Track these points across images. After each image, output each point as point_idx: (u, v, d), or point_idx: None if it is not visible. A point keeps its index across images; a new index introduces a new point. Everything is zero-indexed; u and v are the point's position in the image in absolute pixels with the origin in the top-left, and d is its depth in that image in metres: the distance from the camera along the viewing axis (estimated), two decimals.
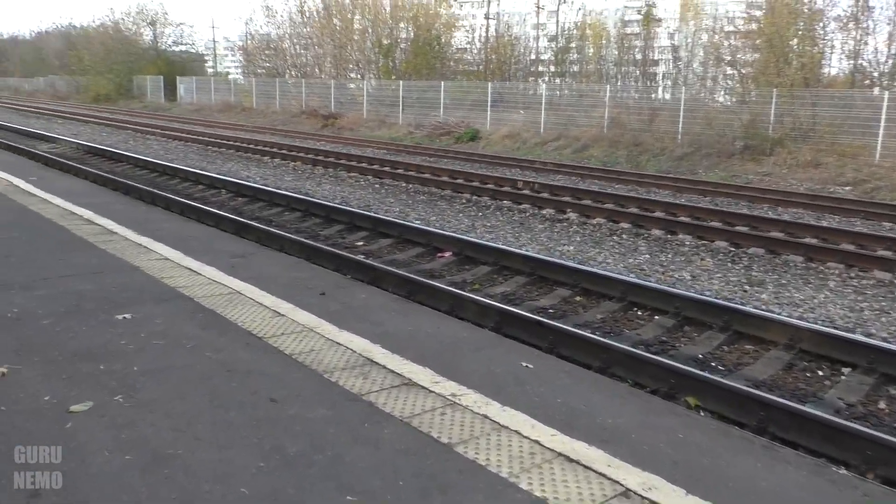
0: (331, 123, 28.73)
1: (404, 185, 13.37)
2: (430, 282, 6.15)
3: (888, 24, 21.91)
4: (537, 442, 2.68)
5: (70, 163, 14.08)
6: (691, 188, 13.72)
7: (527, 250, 7.95)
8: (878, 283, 7.21)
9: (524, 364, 3.58)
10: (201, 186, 12.26)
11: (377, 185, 13.35)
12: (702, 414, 3.95)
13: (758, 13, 24.34)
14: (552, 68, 35.17)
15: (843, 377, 4.70)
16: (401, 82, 29.68)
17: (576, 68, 32.93)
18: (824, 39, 21.96)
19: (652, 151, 19.14)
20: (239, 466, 2.41)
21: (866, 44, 22.30)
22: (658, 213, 10.52)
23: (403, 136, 25.10)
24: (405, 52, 34.33)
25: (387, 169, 15.19)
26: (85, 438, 2.54)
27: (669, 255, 8.22)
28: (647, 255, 8.19)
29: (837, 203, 12.23)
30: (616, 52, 30.40)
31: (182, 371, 3.20)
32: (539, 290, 6.55)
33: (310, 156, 17.41)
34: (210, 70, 61.25)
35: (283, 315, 4.08)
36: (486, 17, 40.35)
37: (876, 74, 21.85)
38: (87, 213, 7.05)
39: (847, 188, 14.53)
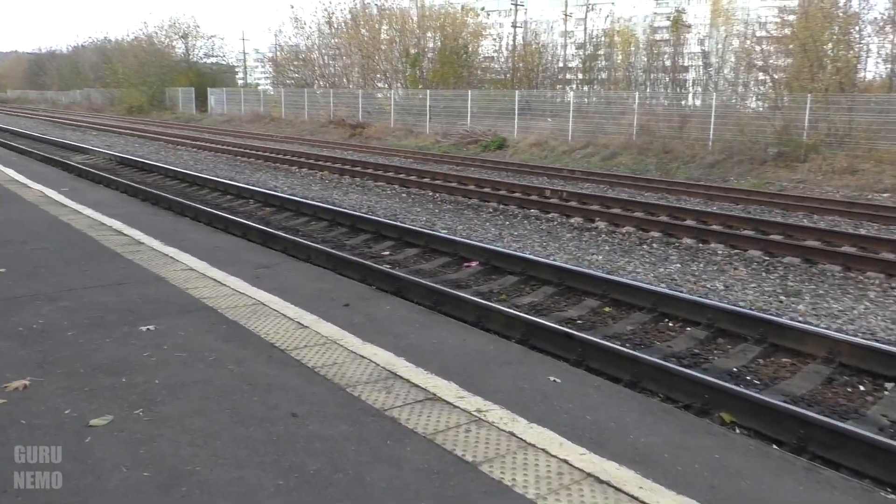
0: (358, 133, 28.88)
1: (431, 194, 13.32)
2: (456, 292, 6.06)
3: None
4: (565, 461, 2.58)
5: (102, 173, 14.30)
6: (723, 196, 13.46)
7: (554, 260, 7.83)
8: None
9: (552, 378, 3.47)
10: (229, 196, 12.34)
11: (404, 195, 13.32)
12: (737, 431, 3.80)
13: (791, 18, 23.92)
14: (580, 76, 35.03)
15: (886, 392, 4.51)
16: (428, 91, 29.74)
17: (604, 75, 32.77)
18: (860, 43, 21.52)
19: (682, 159, 18.87)
20: (256, 485, 2.34)
21: None
22: (689, 222, 10.32)
23: (430, 145, 25.10)
24: (432, 61, 34.42)
25: (413, 178, 15.17)
26: (102, 454, 2.50)
27: (701, 265, 8.03)
28: (679, 265, 8.01)
29: (875, 210, 11.89)
30: (645, 59, 30.16)
31: (203, 385, 3.16)
32: (567, 301, 6.43)
33: (337, 165, 17.47)
34: (240, 81, 62.07)
35: (306, 327, 4.03)
36: (514, 25, 40.39)
37: None
38: (116, 224, 7.10)
39: (885, 195, 14.15)
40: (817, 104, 18.40)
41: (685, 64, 30.59)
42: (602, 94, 27.99)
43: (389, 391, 3.16)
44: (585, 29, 42.86)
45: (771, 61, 24.00)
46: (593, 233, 9.81)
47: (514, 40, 38.30)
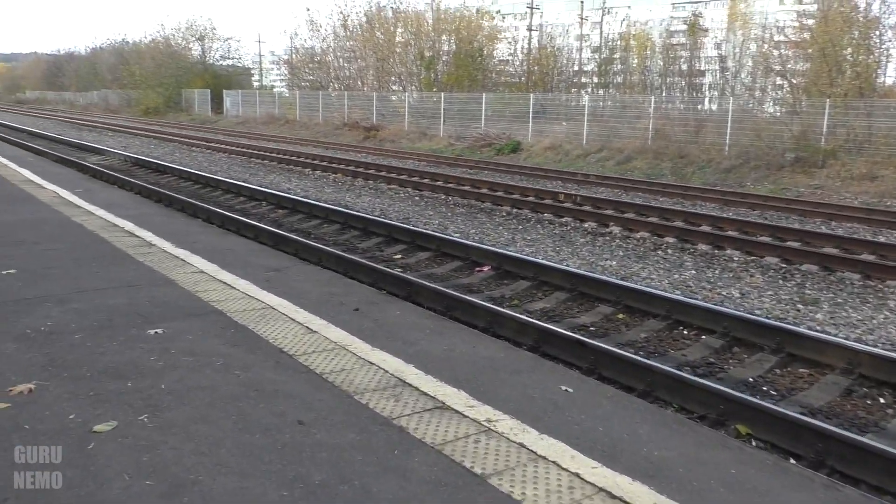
0: (372, 135, 28.90)
1: (444, 197, 13.27)
2: (468, 297, 6.00)
3: None
4: (577, 475, 2.51)
5: (116, 174, 14.37)
6: (739, 201, 13.31)
7: (567, 265, 7.75)
8: None
9: (563, 388, 3.40)
10: (242, 198, 12.35)
11: (417, 198, 13.28)
12: (753, 444, 3.72)
13: (810, 22, 23.67)
14: (595, 79, 34.88)
15: None
16: (442, 94, 29.72)
17: (619, 79, 32.59)
18: (880, 48, 21.22)
19: (698, 163, 18.70)
20: (260, 496, 2.29)
21: None
22: (705, 227, 10.19)
23: (444, 147, 25.06)
24: (447, 64, 34.38)
25: (426, 181, 15.12)
26: (105, 461, 2.46)
27: (717, 272, 7.92)
28: (694, 271, 7.90)
29: (895, 217, 11.70)
30: (661, 63, 29.94)
31: (209, 390, 3.12)
32: (580, 307, 6.35)
33: (350, 168, 17.47)
34: (256, 83, 62.37)
35: (315, 332, 3.98)
36: (529, 28, 40.30)
37: None
38: (129, 225, 7.11)
39: None
40: (836, 109, 18.17)
41: (702, 68, 30.33)
42: (617, 98, 27.82)
43: (398, 399, 3.11)
44: (601, 32, 42.71)
45: (789, 66, 23.74)
46: (607, 238, 9.71)
47: (529, 43, 38.19)
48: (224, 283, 4.98)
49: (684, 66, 28.86)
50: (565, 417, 3.05)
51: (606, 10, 48.03)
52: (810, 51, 21.81)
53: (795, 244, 9.05)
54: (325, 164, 18.30)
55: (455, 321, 4.99)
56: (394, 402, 3.07)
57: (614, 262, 8.23)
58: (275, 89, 54.61)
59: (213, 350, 3.61)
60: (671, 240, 9.38)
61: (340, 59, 41.41)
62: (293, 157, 19.96)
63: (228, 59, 55.89)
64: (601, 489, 2.42)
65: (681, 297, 6.30)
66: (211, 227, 8.61)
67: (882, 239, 9.97)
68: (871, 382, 4.68)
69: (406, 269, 7.51)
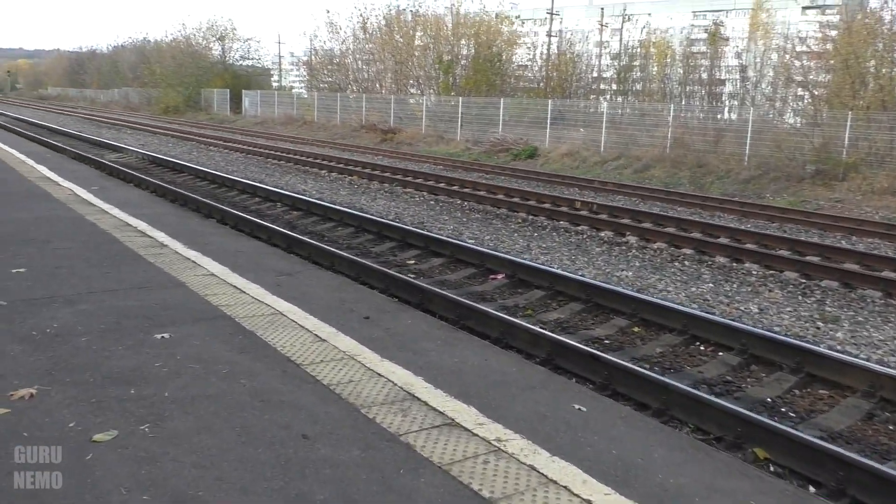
0: (389, 138, 28.88)
1: (459, 202, 13.19)
2: (480, 306, 5.91)
3: None
4: (589, 502, 2.42)
5: (133, 172, 14.42)
6: (758, 213, 13.12)
7: (583, 275, 7.64)
8: None
9: (576, 406, 3.31)
10: (257, 199, 12.34)
11: (432, 202, 13.21)
12: (771, 469, 3.60)
13: (833, 33, 23.38)
14: (614, 86, 34.66)
15: None
16: (460, 98, 29.65)
17: (639, 87, 32.36)
18: None
19: (716, 173, 18.49)
20: None
21: None
22: (723, 239, 10.03)
23: (461, 151, 24.99)
24: (465, 68, 34.31)
25: (442, 185, 15.05)
26: (103, 473, 2.40)
27: (735, 285, 7.78)
28: (711, 284, 7.76)
29: None
30: (681, 71, 29.70)
31: (214, 399, 3.05)
32: (595, 319, 6.24)
33: (366, 170, 17.44)
34: (275, 84, 62.62)
35: (323, 340, 3.91)
36: (549, 34, 40.16)
37: None
38: (142, 225, 7.08)
39: None
40: (858, 122, 17.91)
41: (722, 77, 30.05)
42: (636, 106, 27.61)
43: (406, 414, 3.03)
44: (621, 39, 42.53)
45: (811, 77, 23.45)
46: (623, 247, 9.59)
47: (548, 49, 38.07)
48: (234, 286, 4.92)
49: (704, 75, 28.63)
50: (578, 438, 2.96)
51: (627, 17, 47.83)
52: (833, 62, 21.53)
53: (815, 259, 8.88)
54: (341, 166, 18.28)
55: (467, 331, 4.90)
56: (401, 418, 2.99)
57: (630, 273, 8.11)
58: (293, 90, 54.84)
59: (220, 357, 3.55)
60: (688, 251, 9.24)
61: (359, 62, 41.45)
62: (310, 159, 19.97)
63: (248, 59, 56.24)
64: None
65: (698, 312, 6.17)
66: (224, 228, 8.58)
67: None
68: (894, 407, 4.54)
69: (419, 274, 7.43)
